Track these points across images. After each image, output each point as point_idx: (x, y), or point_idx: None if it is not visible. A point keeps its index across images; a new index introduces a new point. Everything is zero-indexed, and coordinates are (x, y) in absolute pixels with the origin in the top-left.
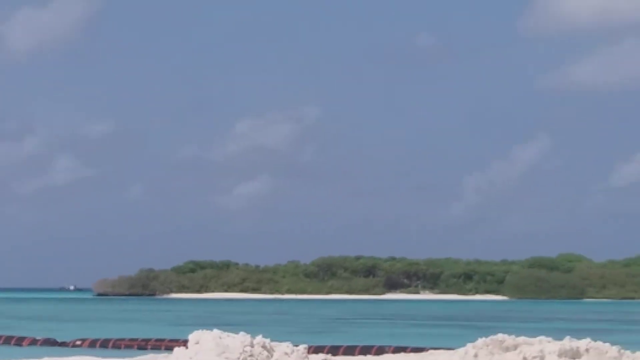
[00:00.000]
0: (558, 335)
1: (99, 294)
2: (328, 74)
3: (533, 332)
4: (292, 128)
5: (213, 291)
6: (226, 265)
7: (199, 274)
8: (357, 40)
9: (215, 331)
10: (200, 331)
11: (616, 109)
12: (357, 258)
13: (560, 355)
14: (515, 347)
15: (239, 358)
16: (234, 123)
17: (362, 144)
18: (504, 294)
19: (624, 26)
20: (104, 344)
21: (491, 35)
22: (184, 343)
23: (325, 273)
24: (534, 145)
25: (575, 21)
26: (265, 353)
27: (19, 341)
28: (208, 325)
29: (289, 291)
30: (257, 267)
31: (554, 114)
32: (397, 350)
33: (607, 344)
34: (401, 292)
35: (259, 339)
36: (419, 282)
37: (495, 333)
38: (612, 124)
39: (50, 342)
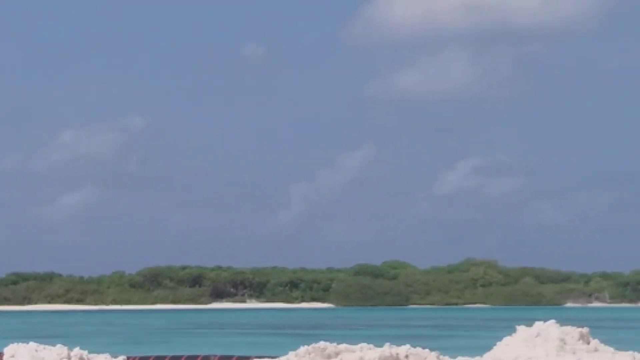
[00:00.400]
0: (380, 341)
1: None
2: (154, 84)
3: (356, 339)
4: (116, 138)
5: (36, 303)
6: (50, 277)
7: (22, 286)
8: (184, 50)
9: (31, 344)
10: (15, 344)
11: (439, 118)
12: (183, 268)
13: None
14: (337, 354)
15: None
16: (57, 133)
17: (189, 153)
18: (330, 302)
19: (446, 36)
20: None
21: (317, 44)
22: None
23: (151, 283)
24: (360, 154)
25: (399, 31)
26: None
27: None
28: (29, 337)
29: (113, 302)
30: (82, 278)
31: (379, 122)
32: (223, 359)
33: (427, 350)
34: (227, 301)
35: (77, 350)
36: (245, 291)
37: (318, 341)
38: (436, 133)
39: None
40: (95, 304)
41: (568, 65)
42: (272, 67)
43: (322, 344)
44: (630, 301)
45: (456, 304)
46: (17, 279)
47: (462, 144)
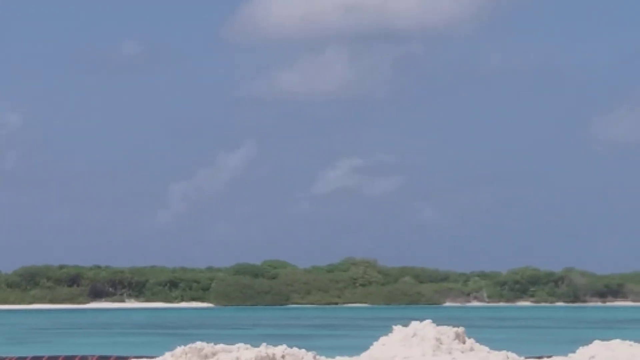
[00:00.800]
0: (258, 341)
1: None
2: (31, 80)
3: (234, 339)
4: None
5: None
6: None
7: None
8: (63, 46)
9: None
10: None
11: (319, 117)
12: (61, 267)
13: None
14: (214, 354)
15: None
16: None
17: (67, 151)
18: (209, 301)
19: (326, 36)
20: None
21: (197, 42)
22: None
23: (28, 282)
24: (240, 153)
25: (279, 30)
26: None
27: None
28: None
29: None
30: None
31: (259, 121)
32: (101, 359)
33: (303, 350)
34: (106, 300)
35: None
36: (124, 290)
37: (196, 341)
38: (316, 132)
39: None
40: None
41: (447, 66)
42: (151, 65)
43: (198, 344)
44: (508, 300)
45: (336, 303)
46: None
47: (342, 143)
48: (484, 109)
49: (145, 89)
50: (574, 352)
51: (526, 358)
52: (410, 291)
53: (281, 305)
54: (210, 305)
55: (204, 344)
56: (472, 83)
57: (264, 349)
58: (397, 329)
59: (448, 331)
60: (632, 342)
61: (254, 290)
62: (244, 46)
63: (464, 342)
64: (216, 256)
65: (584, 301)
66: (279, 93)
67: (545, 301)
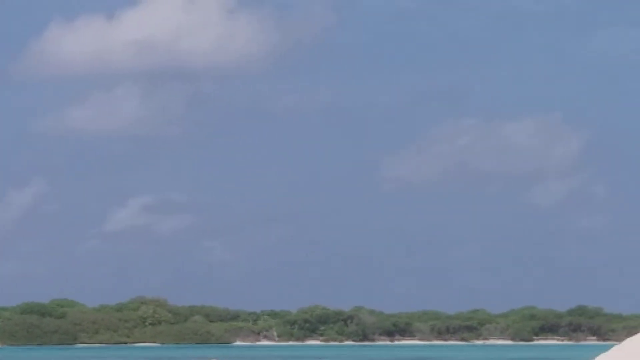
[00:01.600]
0: None
1: None
2: None
3: None
4: None
5: None
6: None
7: None
8: None
9: None
10: None
11: (110, 155)
12: None
13: None
14: None
15: None
16: None
17: None
18: None
19: (117, 74)
20: None
21: None
22: None
23: None
24: (29, 190)
25: (69, 67)
26: None
27: None
28: None
29: None
30: None
31: (49, 158)
32: None
33: None
34: None
35: None
36: None
37: None
38: (106, 170)
39: None
40: None
41: (239, 104)
42: None
43: None
44: (297, 339)
45: (125, 342)
46: None
47: (132, 181)
48: (275, 147)
49: None
50: None
51: None
52: (201, 330)
53: (69, 345)
54: None
55: None
56: (263, 122)
57: None
58: None
59: None
60: None
61: (41, 330)
62: (33, 82)
63: None
64: (2, 295)
65: (373, 340)
66: (69, 130)
67: (335, 340)
